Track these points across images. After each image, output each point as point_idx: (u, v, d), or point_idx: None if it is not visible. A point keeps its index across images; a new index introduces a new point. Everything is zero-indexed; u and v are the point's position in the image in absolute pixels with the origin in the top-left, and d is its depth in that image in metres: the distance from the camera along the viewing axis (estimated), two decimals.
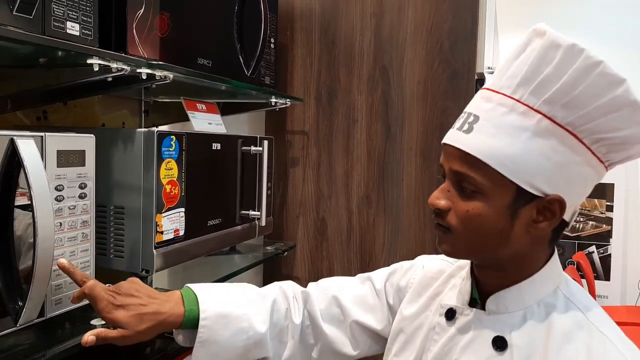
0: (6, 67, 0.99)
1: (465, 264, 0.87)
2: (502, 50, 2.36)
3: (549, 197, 0.69)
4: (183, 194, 1.09)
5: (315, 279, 1.91)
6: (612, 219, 2.79)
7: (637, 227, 2.78)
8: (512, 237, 0.71)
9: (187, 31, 1.13)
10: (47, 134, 0.79)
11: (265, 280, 1.92)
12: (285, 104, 1.58)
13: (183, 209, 1.10)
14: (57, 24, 0.79)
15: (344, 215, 1.78)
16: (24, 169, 0.73)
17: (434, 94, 1.65)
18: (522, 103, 0.69)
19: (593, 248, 2.85)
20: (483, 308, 0.78)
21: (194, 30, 1.16)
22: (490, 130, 0.69)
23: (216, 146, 1.22)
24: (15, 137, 0.74)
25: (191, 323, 0.86)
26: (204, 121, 1.24)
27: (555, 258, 0.77)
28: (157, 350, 1.17)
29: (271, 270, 1.90)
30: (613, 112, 0.67)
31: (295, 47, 1.81)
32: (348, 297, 0.97)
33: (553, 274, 0.77)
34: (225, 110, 1.46)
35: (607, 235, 2.82)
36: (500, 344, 0.74)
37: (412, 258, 1.69)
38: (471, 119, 0.71)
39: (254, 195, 1.39)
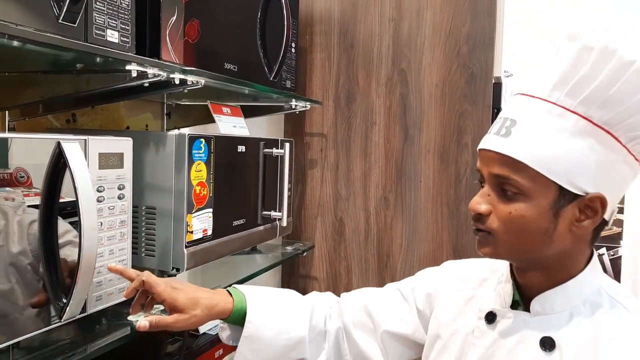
0: (38, 73, 1.02)
1: (500, 267, 0.87)
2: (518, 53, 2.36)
3: (590, 196, 0.71)
4: (211, 195, 1.12)
5: (333, 280, 1.93)
6: (622, 221, 2.80)
7: None
8: (555, 236, 0.73)
9: (215, 37, 1.16)
10: (89, 137, 0.83)
11: (284, 281, 1.95)
12: (305, 107, 1.61)
13: (211, 210, 1.13)
14: (98, 32, 0.82)
15: (361, 216, 1.80)
16: (70, 170, 0.76)
17: (452, 97, 1.68)
18: (558, 105, 0.71)
19: (603, 250, 2.85)
20: (526, 310, 0.79)
21: (221, 36, 1.19)
22: (528, 132, 0.71)
23: (241, 148, 1.25)
24: (61, 140, 0.77)
25: (239, 314, 0.91)
26: (229, 124, 1.27)
27: (596, 258, 0.79)
28: (185, 347, 1.21)
29: (290, 271, 1.93)
30: None
31: (314, 51, 1.84)
32: (377, 305, 0.99)
33: (595, 273, 0.78)
34: (245, 113, 1.49)
35: (618, 237, 2.82)
36: (548, 344, 0.74)
37: (430, 259, 1.72)
38: (508, 123, 0.73)
39: (275, 196, 1.42)
